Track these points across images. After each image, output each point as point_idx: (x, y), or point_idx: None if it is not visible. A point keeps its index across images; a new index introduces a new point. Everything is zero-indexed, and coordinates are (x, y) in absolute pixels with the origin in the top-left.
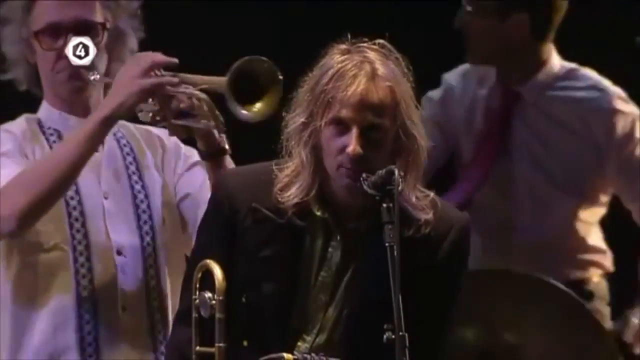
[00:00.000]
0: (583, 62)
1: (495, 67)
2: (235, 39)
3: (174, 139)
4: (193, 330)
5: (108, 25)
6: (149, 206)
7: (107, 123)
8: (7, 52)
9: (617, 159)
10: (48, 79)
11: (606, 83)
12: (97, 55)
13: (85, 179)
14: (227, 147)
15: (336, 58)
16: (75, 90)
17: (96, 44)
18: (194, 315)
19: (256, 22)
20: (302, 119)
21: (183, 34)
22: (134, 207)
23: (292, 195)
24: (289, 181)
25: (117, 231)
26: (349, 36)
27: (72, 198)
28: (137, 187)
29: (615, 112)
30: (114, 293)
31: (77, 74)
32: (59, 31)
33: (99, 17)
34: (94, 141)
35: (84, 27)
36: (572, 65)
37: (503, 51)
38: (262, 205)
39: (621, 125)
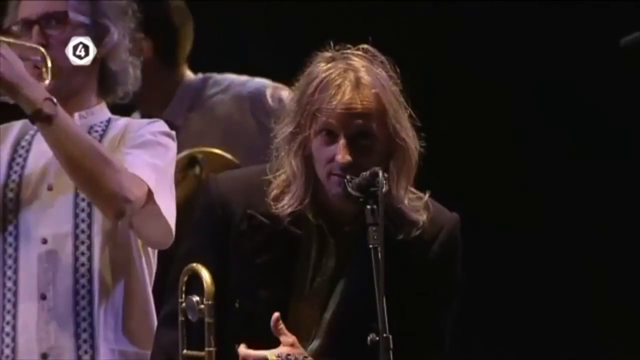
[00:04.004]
0: (566, 65)
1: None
2: (227, 40)
3: (139, 126)
4: (179, 334)
5: (73, 17)
6: None
7: None
8: None
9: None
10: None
11: (242, 77)
12: (58, 46)
13: (34, 171)
14: (48, 112)
15: (321, 67)
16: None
17: (62, 34)
18: (181, 318)
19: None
20: (290, 129)
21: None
22: (74, 194)
23: (286, 205)
24: (282, 191)
25: (47, 220)
26: (332, 43)
27: (11, 190)
28: None
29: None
30: (33, 282)
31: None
32: (28, 27)
33: (63, 8)
34: None
35: (47, 19)
36: (205, 74)
37: None
38: (257, 211)
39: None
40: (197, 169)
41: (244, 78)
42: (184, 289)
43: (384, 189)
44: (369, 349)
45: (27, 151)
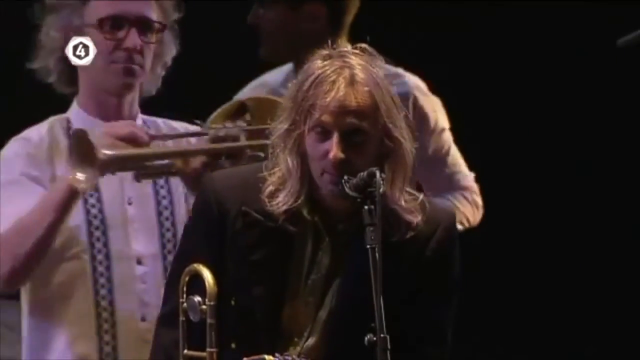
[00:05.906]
0: (563, 64)
1: (292, 63)
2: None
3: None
4: (180, 334)
5: (162, 27)
6: (172, 213)
7: (74, 195)
8: (43, 40)
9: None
10: (97, 70)
11: (406, 73)
12: (147, 56)
13: (108, 183)
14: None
15: (317, 64)
16: (125, 86)
17: (149, 43)
18: (182, 318)
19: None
20: (286, 126)
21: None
22: (157, 213)
23: (281, 203)
24: (277, 188)
25: (138, 239)
26: (330, 42)
27: (93, 206)
28: (163, 191)
29: (412, 99)
30: (133, 303)
31: (131, 69)
32: (121, 23)
33: (156, 17)
34: (62, 211)
35: (144, 24)
36: None
37: (298, 44)
38: (252, 208)
39: (416, 115)
40: (247, 116)
41: (399, 71)
42: (184, 288)
43: (381, 190)
44: (366, 348)
45: None
